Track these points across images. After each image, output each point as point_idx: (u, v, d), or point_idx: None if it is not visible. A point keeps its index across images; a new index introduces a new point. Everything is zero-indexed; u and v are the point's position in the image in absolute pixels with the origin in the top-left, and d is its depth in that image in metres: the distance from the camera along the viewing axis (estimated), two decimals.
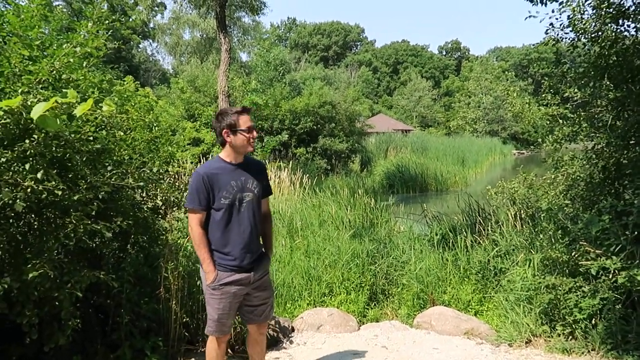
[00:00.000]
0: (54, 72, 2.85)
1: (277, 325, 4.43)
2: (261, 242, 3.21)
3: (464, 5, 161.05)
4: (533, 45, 5.65)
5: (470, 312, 4.91)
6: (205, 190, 2.89)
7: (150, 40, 47.37)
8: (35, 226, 2.94)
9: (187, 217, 4.93)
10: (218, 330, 3.04)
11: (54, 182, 2.58)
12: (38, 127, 2.58)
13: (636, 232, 3.71)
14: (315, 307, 5.07)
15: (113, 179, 3.09)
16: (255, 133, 3.02)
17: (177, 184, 4.29)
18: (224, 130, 2.95)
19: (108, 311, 3.53)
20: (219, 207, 2.93)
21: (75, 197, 2.70)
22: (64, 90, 2.96)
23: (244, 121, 2.96)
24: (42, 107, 2.05)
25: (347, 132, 21.71)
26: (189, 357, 3.87)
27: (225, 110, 3.02)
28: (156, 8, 42.49)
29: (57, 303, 2.87)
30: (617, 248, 3.75)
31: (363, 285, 5.35)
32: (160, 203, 4.21)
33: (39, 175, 2.55)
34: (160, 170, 4.06)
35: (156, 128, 4.30)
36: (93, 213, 2.87)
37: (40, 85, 2.77)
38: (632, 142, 4.48)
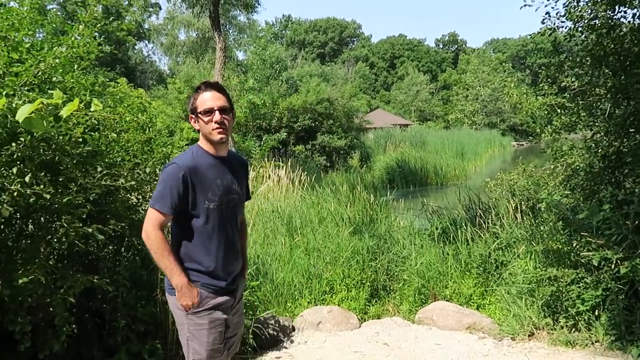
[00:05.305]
0: (40, 73, 2.79)
1: (277, 325, 4.38)
2: None
3: None
4: (530, 35, 5.56)
5: (472, 306, 4.86)
6: (183, 191, 2.20)
7: (146, 42, 47.29)
8: (26, 231, 2.89)
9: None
10: None
11: (42, 186, 2.53)
12: (25, 129, 2.53)
13: (637, 222, 3.66)
14: (316, 305, 5.02)
15: (104, 180, 3.03)
16: (218, 115, 2.25)
17: None
18: (190, 116, 2.34)
19: (104, 316, 3.48)
20: (202, 213, 2.26)
21: (64, 200, 2.65)
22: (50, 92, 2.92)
23: (202, 102, 2.27)
24: (28, 109, 2.00)
25: (346, 128, 21.61)
26: None
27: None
28: (150, 9, 42.42)
29: (50, 309, 2.83)
30: (619, 238, 3.70)
31: (364, 281, 5.30)
32: None
33: (26, 179, 2.49)
34: (156, 171, 4.01)
35: (150, 129, 4.25)
36: (84, 216, 2.82)
37: (26, 88, 2.71)
38: (632, 130, 4.42)
